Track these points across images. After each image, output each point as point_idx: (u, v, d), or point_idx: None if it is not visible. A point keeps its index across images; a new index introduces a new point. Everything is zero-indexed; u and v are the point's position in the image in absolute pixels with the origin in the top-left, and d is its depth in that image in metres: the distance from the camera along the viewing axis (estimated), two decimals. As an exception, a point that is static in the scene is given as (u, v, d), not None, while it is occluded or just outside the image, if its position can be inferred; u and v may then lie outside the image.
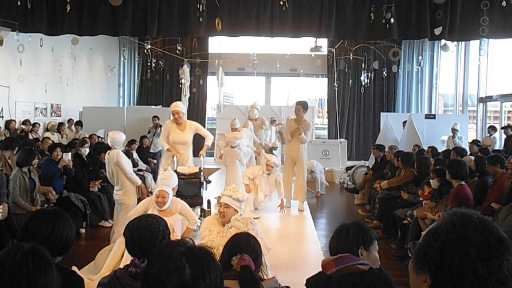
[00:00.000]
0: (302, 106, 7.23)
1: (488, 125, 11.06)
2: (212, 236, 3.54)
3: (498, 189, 4.86)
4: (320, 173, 9.56)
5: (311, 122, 8.15)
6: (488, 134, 10.27)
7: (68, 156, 6.30)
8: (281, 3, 7.09)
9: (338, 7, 7.34)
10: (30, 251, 1.55)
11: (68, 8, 7.06)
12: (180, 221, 4.12)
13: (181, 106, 6.35)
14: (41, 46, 9.79)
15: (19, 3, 6.90)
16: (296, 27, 7.42)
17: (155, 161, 9.80)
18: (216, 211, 3.90)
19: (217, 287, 1.22)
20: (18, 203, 5.11)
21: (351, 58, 13.34)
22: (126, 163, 5.27)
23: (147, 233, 2.25)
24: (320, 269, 2.14)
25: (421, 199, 5.56)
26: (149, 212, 4.21)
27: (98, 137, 9.79)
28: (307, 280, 2.13)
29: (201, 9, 7.07)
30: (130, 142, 8.94)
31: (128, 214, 4.70)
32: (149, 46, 12.66)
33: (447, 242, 1.10)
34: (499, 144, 10.12)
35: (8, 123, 9.49)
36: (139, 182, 5.42)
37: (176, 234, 3.90)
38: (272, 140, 10.38)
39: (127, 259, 2.48)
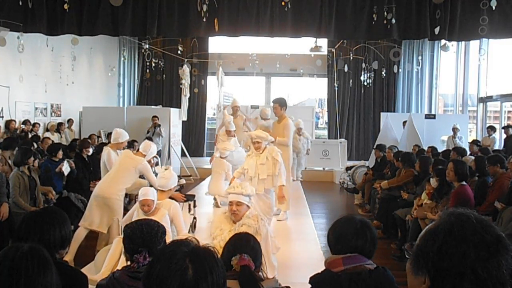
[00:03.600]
0: (278, 103, 6.72)
1: (487, 125, 11.07)
2: (224, 235, 3.44)
3: (498, 189, 4.86)
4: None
5: (311, 121, 8.04)
6: (488, 135, 10.27)
7: (66, 166, 6.17)
8: (283, 3, 7.08)
9: (338, 7, 7.33)
10: (29, 251, 1.55)
11: (67, 8, 7.04)
12: (167, 215, 4.02)
13: None
14: (47, 46, 9.81)
15: (20, 3, 6.88)
16: (296, 27, 7.41)
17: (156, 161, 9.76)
18: (224, 210, 3.85)
19: None
20: (18, 203, 5.11)
21: (351, 58, 13.35)
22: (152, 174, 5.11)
23: (147, 228, 2.39)
24: (323, 268, 2.14)
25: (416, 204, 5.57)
26: (135, 214, 4.14)
27: (98, 137, 9.77)
28: (311, 278, 2.14)
29: (204, 9, 7.05)
30: (131, 143, 8.90)
31: (122, 220, 4.66)
32: (147, 46, 12.66)
33: (445, 242, 1.10)
34: (498, 144, 10.12)
35: (8, 123, 9.50)
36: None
37: (168, 232, 3.86)
38: None
39: (124, 260, 2.49)
